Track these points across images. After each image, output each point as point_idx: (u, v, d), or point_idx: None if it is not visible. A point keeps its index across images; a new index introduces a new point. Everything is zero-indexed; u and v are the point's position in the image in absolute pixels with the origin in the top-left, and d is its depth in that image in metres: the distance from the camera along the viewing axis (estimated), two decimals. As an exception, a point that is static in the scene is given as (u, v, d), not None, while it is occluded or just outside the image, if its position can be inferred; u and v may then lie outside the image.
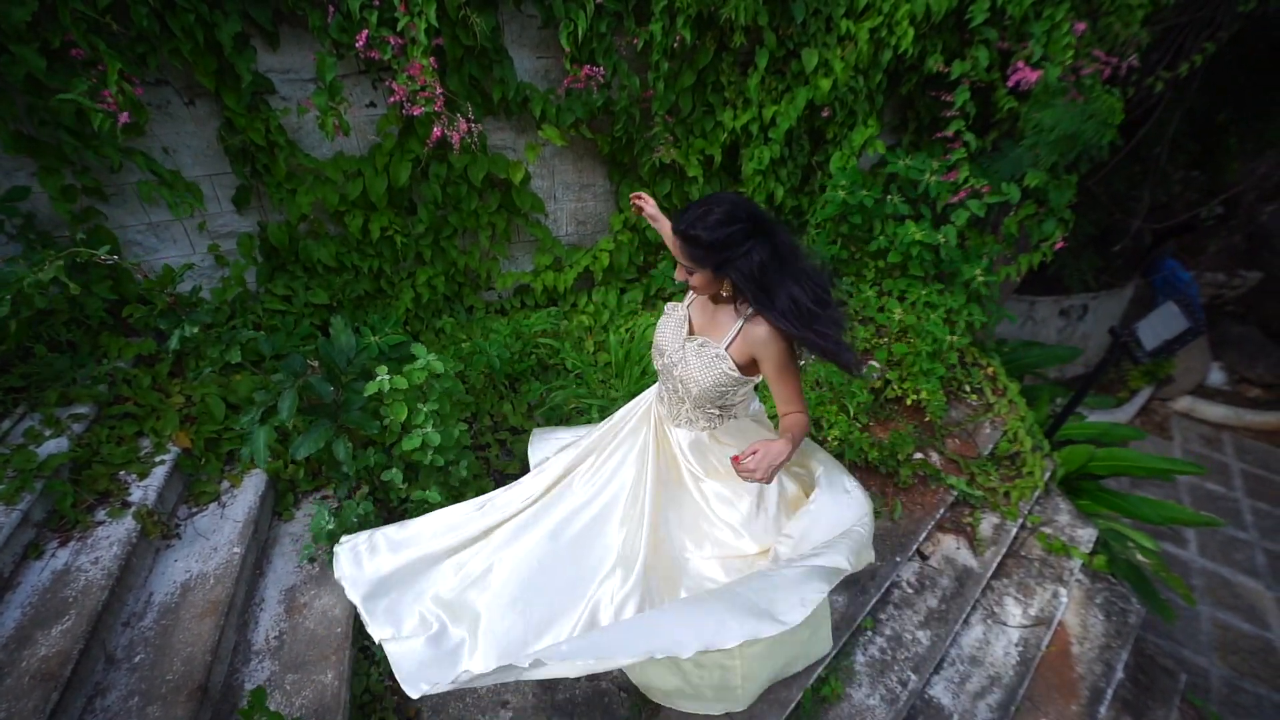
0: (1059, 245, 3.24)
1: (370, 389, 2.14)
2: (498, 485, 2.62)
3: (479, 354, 2.81)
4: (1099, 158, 3.04)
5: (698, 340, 1.62)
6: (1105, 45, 2.97)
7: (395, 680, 1.99)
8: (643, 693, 2.05)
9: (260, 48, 2.44)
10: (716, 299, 1.59)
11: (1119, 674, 2.70)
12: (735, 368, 1.56)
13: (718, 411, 1.72)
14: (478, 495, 2.40)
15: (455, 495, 2.33)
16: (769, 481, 1.40)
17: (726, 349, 1.56)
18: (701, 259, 1.44)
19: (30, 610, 1.82)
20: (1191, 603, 3.33)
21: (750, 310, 1.50)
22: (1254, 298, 6.70)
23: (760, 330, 1.47)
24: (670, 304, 1.77)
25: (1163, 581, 3.28)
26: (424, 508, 2.23)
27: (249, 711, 1.56)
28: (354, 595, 1.87)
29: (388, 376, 2.14)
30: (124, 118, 2.11)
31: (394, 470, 2.25)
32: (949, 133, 3.21)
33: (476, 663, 1.71)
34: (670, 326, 1.71)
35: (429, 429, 2.17)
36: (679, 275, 1.54)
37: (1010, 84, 2.99)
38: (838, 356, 1.45)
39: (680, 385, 1.66)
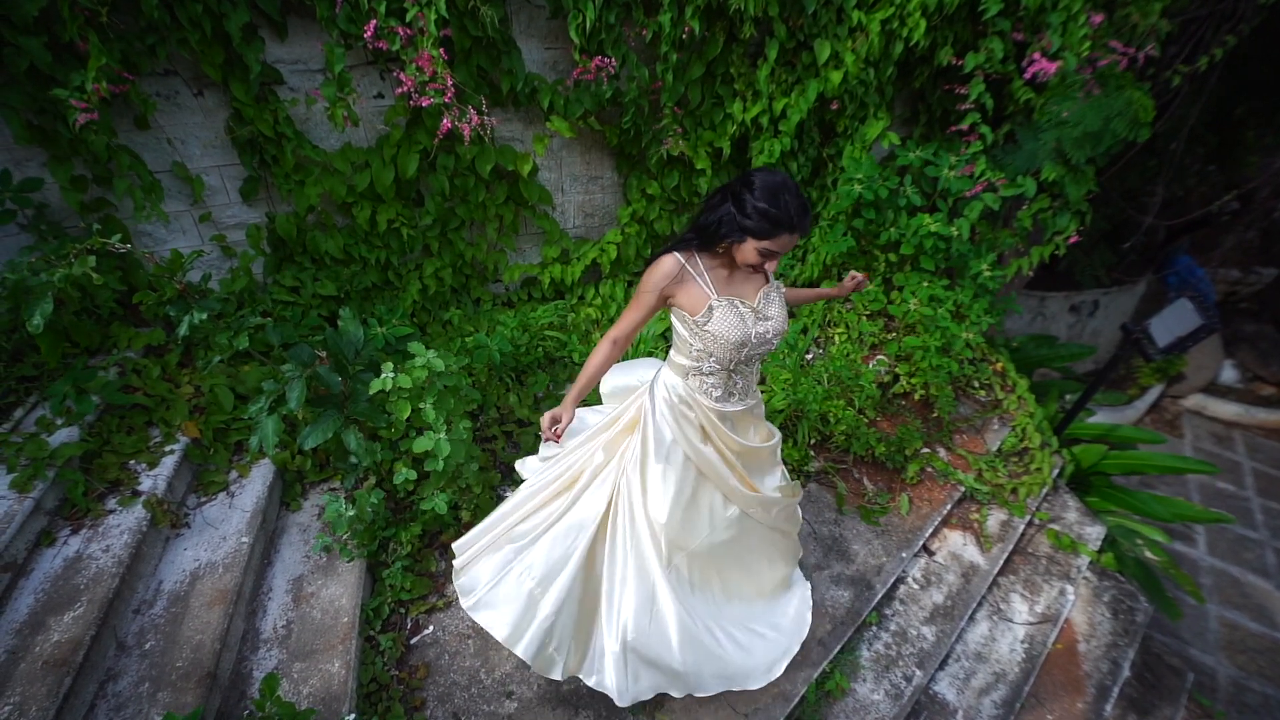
0: (1072, 239, 3.20)
1: (375, 386, 2.05)
2: (504, 478, 2.63)
3: (481, 348, 2.81)
4: (1114, 151, 2.99)
5: (761, 295, 1.64)
6: (1123, 37, 2.92)
7: (401, 670, 2.01)
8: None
9: (268, 38, 2.43)
10: (756, 269, 1.59)
11: (1125, 672, 2.68)
12: None
13: None
14: (483, 490, 2.39)
15: (462, 492, 2.33)
16: None
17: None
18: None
19: (43, 597, 1.85)
20: (1200, 600, 3.30)
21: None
22: (1268, 295, 6.61)
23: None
24: (716, 302, 1.58)
25: (1171, 579, 3.26)
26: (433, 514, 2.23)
27: (261, 701, 1.57)
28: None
29: (393, 374, 2.07)
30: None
31: (406, 472, 2.19)
32: (963, 126, 3.17)
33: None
34: (735, 315, 1.59)
35: (441, 435, 2.07)
36: (771, 266, 1.64)
37: (1027, 76, 2.94)
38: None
39: (765, 350, 1.69)
